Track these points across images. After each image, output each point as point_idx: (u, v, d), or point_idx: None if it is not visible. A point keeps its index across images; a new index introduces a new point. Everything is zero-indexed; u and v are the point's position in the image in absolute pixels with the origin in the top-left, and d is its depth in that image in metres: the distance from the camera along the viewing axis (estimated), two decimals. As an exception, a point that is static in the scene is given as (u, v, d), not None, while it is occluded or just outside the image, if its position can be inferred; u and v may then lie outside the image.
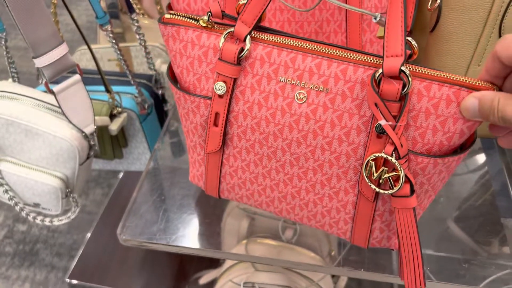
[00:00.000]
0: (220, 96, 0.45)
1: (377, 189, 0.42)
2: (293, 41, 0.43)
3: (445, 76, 0.39)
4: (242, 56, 0.43)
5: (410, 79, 0.38)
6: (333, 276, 0.89)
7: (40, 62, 0.61)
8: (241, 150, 0.48)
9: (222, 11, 0.44)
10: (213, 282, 1.11)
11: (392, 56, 0.38)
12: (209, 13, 0.44)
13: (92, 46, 0.92)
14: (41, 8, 0.58)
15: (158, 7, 0.84)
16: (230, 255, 0.63)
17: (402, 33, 0.37)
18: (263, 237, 0.76)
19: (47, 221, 0.76)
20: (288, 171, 0.47)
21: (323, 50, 0.42)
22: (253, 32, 0.44)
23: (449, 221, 0.68)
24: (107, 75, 0.82)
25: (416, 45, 0.40)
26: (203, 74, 0.46)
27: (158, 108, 0.90)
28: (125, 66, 0.80)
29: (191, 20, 0.46)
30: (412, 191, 0.41)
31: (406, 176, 0.41)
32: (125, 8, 1.01)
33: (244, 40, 0.43)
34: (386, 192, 0.42)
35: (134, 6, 0.99)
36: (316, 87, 0.42)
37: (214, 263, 1.20)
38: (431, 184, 0.43)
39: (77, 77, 0.66)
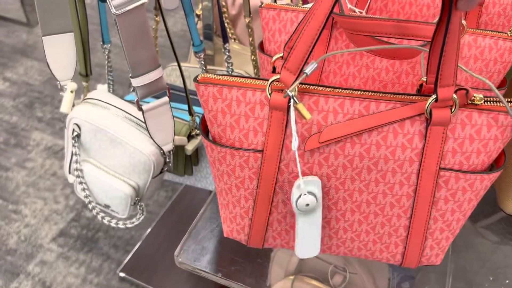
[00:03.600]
0: None
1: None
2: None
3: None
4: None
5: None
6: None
7: (136, 82, 0.65)
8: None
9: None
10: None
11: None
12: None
13: (183, 64, 0.96)
14: (146, 33, 0.63)
15: (250, 39, 0.87)
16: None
17: None
18: (311, 277, 0.75)
19: (113, 223, 0.81)
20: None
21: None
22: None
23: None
24: (191, 95, 0.86)
25: None
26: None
27: (232, 133, 0.93)
28: (210, 91, 0.84)
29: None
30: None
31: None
32: (219, 31, 1.06)
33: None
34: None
35: (228, 30, 1.03)
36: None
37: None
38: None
39: (165, 99, 0.70)
